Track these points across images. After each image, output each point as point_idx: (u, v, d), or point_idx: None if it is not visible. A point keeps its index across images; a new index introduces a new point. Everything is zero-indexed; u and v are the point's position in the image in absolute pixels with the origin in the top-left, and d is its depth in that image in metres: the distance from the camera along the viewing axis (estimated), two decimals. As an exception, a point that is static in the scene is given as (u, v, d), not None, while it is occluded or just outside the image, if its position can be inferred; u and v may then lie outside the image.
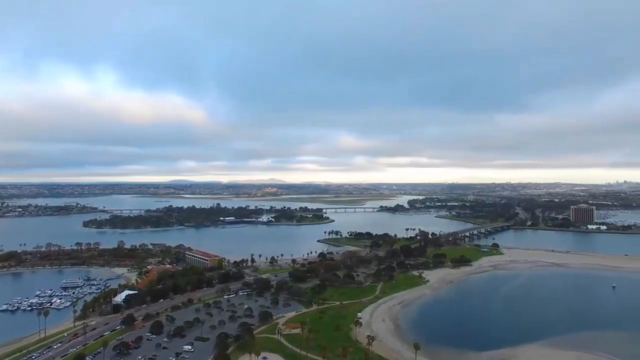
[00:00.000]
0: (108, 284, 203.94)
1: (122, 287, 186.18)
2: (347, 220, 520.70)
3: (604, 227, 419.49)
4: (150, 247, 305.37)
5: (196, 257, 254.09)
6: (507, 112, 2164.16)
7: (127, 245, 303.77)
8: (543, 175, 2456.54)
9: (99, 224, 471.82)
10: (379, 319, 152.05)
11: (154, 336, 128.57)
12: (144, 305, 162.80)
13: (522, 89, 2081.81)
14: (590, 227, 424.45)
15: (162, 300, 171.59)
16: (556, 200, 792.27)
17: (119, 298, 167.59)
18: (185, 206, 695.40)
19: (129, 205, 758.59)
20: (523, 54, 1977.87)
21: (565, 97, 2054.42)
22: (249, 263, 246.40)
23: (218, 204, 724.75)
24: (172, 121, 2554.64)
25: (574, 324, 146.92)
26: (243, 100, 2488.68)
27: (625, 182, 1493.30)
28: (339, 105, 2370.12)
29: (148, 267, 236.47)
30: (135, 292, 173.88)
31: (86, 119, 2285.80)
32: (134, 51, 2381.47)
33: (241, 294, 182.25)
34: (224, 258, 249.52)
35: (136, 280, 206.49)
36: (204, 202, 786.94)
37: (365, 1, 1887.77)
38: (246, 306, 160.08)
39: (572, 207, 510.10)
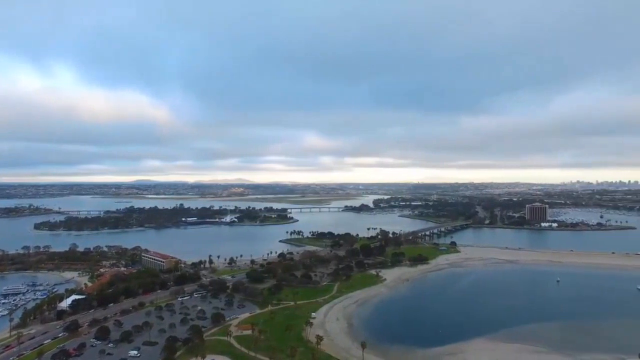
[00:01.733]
0: (55, 290, 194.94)
1: (69, 292, 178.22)
2: (311, 220, 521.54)
3: (555, 225, 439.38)
4: (106, 249, 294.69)
5: (152, 259, 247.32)
6: (469, 115, 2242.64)
7: (81, 248, 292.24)
8: (504, 175, 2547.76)
9: (52, 226, 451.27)
10: (332, 318, 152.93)
11: (98, 342, 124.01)
12: (92, 311, 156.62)
13: (482, 92, 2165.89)
14: (543, 224, 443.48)
15: (112, 304, 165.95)
16: (514, 199, 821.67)
17: (65, 304, 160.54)
18: (148, 207, 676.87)
19: (88, 206, 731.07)
20: (482, 58, 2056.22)
21: (521, 101, 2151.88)
22: (207, 264, 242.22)
23: (181, 205, 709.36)
24: (135, 120, 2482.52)
25: (519, 317, 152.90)
26: (208, 100, 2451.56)
27: (577, 181, 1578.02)
28: (305, 105, 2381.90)
29: (101, 270, 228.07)
30: (83, 296, 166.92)
31: (41, 117, 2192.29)
32: (93, 47, 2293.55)
33: (196, 295, 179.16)
34: (181, 259, 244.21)
35: (85, 284, 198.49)
36: (168, 203, 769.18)
37: (327, 2, 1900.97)
38: (199, 308, 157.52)
39: (527, 205, 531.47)
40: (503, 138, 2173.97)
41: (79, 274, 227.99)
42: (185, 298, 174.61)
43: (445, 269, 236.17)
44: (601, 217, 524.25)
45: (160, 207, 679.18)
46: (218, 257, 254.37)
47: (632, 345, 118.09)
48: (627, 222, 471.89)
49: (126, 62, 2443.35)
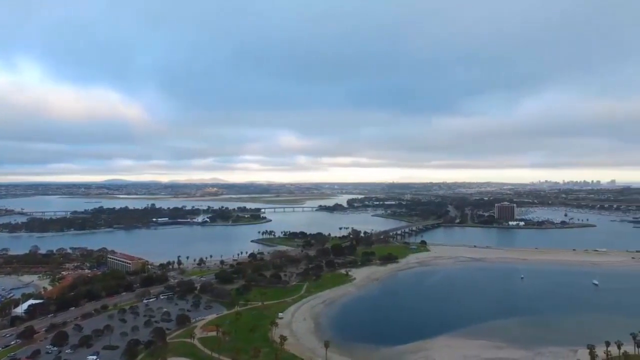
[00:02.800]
0: (11, 295, 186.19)
1: (26, 297, 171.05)
2: (285, 220, 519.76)
3: (522, 223, 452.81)
4: (70, 251, 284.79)
5: (119, 260, 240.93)
6: (442, 115, 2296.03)
7: (44, 251, 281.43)
8: (476, 175, 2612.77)
9: (12, 227, 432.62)
10: (300, 318, 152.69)
11: (55, 348, 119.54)
12: (51, 315, 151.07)
13: (454, 93, 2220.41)
14: (511, 223, 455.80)
15: (73, 308, 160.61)
16: (485, 198, 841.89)
17: (20, 309, 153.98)
18: (118, 207, 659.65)
19: (54, 206, 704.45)
20: (454, 61, 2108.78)
21: (492, 103, 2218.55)
22: (176, 265, 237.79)
23: (153, 205, 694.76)
24: (106, 118, 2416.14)
25: (484, 314, 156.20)
26: (182, 99, 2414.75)
27: (546, 181, 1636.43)
28: (280, 105, 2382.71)
29: (63, 273, 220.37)
30: (41, 301, 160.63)
31: (6, 113, 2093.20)
32: (62, 43, 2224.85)
33: (162, 297, 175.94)
34: (148, 261, 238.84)
35: (44, 288, 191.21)
36: (139, 203, 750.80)
37: (304, 3, 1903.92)
38: (165, 310, 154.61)
39: (496, 205, 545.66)
40: (475, 139, 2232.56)
41: (38, 277, 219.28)
42: (151, 300, 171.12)
43: (414, 267, 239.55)
44: (565, 215, 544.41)
45: (131, 207, 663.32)
46: (187, 257, 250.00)
47: (584, 336, 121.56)
48: (588, 220, 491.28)
49: (97, 58, 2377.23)
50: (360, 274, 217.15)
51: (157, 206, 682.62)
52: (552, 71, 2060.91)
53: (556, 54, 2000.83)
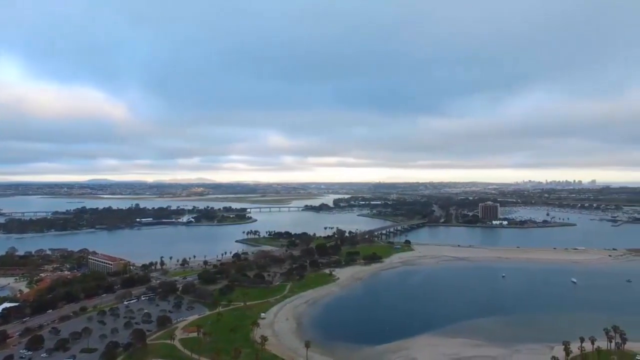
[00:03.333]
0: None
1: (0, 300, 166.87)
2: (270, 219, 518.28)
3: (505, 223, 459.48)
4: (49, 252, 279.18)
5: (100, 261, 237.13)
6: (428, 116, 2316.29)
7: (22, 252, 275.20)
8: (462, 174, 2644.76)
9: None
10: (282, 318, 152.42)
11: (29, 353, 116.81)
12: (27, 319, 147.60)
13: (440, 94, 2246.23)
14: (494, 222, 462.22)
15: (50, 311, 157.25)
16: (470, 198, 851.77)
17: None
18: (101, 207, 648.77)
19: (35, 207, 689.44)
20: (439, 62, 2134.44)
21: (476, 104, 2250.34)
22: (158, 266, 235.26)
23: (137, 205, 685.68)
24: (90, 117, 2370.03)
25: (465, 312, 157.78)
26: (168, 98, 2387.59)
27: (529, 181, 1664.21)
28: (267, 105, 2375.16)
29: (41, 275, 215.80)
30: (16, 304, 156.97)
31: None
32: (43, 40, 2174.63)
33: (143, 298, 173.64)
34: (130, 262, 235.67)
35: (20, 291, 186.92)
36: (123, 203, 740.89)
37: (291, 3, 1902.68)
38: (145, 311, 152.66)
39: (480, 204, 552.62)
40: (461, 139, 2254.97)
41: (15, 279, 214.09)
42: (132, 301, 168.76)
43: (398, 267, 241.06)
44: (547, 214, 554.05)
45: (114, 207, 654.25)
46: (170, 258, 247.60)
47: (561, 333, 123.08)
48: (568, 219, 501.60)
49: (79, 56, 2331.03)
50: (344, 273, 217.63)
51: (142, 206, 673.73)
52: (536, 73, 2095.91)
53: (540, 55, 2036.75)
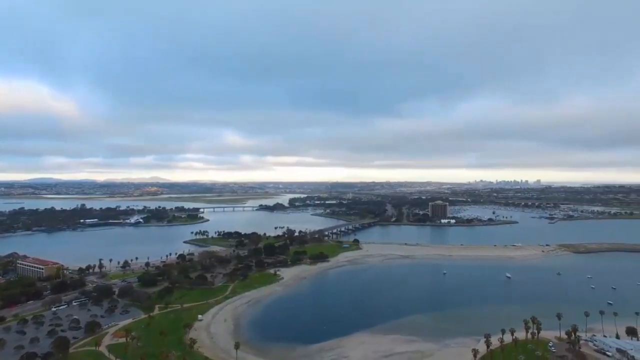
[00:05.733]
0: None
1: None
2: (224, 219, 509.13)
3: (453, 221, 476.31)
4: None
5: (30, 266, 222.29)
6: (383, 117, 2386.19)
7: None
8: (418, 174, 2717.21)
9: None
10: (220, 319, 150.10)
11: None
12: None
13: (393, 97, 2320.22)
14: (443, 221, 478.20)
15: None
16: (423, 197, 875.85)
17: None
18: (42, 208, 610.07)
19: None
20: (392, 65, 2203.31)
21: (428, 106, 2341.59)
22: (97, 269, 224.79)
23: (83, 205, 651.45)
24: (34, 112, 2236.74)
25: (403, 309, 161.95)
26: (118, 94, 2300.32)
27: (481, 181, 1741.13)
28: (224, 104, 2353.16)
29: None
30: None
31: None
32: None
33: (75, 304, 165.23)
34: (64, 265, 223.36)
35: None
36: (69, 203, 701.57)
37: (245, 2, 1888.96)
38: (74, 317, 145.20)
39: (430, 203, 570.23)
40: (416, 140, 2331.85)
41: None
42: (62, 307, 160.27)
43: (344, 266, 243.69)
44: (493, 213, 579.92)
45: (58, 208, 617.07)
46: (110, 260, 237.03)
47: (489, 326, 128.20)
48: (511, 217, 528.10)
49: (24, 50, 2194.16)
50: (289, 273, 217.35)
51: (89, 206, 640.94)
52: (482, 78, 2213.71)
53: (485, 62, 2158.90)
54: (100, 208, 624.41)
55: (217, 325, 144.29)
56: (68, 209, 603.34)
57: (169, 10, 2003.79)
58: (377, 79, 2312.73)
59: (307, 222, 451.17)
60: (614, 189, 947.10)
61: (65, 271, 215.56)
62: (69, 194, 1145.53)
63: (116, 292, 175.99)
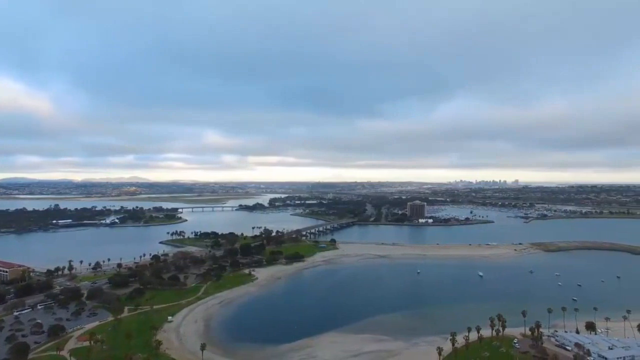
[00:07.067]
0: None
1: None
2: (202, 220, 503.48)
3: (430, 221, 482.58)
4: None
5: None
6: (365, 118, 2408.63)
7: None
8: (400, 174, 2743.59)
9: None
10: (191, 320, 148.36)
11: None
12: None
13: (375, 97, 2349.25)
14: (420, 220, 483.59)
15: None
16: (403, 197, 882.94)
17: None
18: (13, 208, 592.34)
19: None
20: (374, 66, 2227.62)
21: (410, 107, 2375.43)
22: (66, 271, 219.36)
23: (57, 205, 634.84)
24: (7, 110, 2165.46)
25: (375, 309, 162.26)
26: (96, 92, 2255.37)
27: (461, 181, 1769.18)
28: (205, 103, 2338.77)
29: None
30: None
31: None
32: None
33: (40, 307, 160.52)
34: (30, 267, 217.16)
35: None
36: (43, 203, 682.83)
37: (224, 3, 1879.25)
38: (37, 321, 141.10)
39: (408, 203, 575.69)
40: (398, 140, 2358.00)
41: None
42: (25, 311, 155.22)
43: (319, 266, 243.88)
44: (471, 212, 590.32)
45: (30, 208, 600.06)
46: (81, 262, 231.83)
47: (459, 324, 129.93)
48: (488, 216, 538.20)
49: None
50: (264, 273, 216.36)
51: (63, 207, 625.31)
52: (462, 80, 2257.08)
53: (465, 64, 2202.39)
54: (76, 208, 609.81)
55: (187, 326, 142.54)
56: (40, 209, 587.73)
57: (150, 8, 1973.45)
58: (359, 79, 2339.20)
59: (285, 222, 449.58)
60: (587, 189, 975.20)
61: (31, 274, 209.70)
62: (43, 194, 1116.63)
63: (85, 295, 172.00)
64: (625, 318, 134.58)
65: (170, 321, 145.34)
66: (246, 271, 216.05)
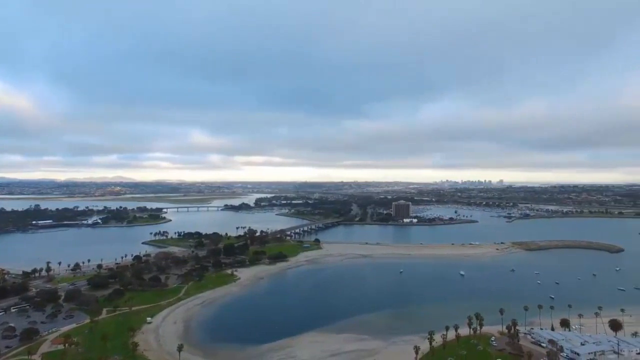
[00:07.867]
0: None
1: None
2: (187, 220, 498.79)
3: (415, 220, 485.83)
4: None
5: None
6: (351, 118, 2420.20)
7: None
8: (387, 174, 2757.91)
9: None
10: (170, 321, 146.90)
11: None
12: None
13: (361, 98, 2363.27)
14: (405, 220, 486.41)
15: None
16: (389, 197, 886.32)
17: None
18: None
19: None
20: (360, 67, 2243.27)
21: (395, 108, 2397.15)
22: (44, 272, 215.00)
23: (37, 205, 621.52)
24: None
25: (356, 308, 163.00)
26: (82, 91, 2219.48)
27: (447, 181, 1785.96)
28: (191, 103, 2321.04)
29: None
30: None
31: None
32: None
33: (13, 310, 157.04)
34: (5, 269, 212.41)
35: None
36: (22, 204, 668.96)
37: (210, 2, 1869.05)
38: (10, 325, 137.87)
39: (393, 203, 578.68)
40: (384, 140, 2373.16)
41: None
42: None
43: (303, 265, 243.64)
44: (455, 212, 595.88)
45: (9, 208, 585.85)
46: (59, 263, 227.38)
47: (438, 323, 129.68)
48: (472, 216, 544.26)
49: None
50: (246, 273, 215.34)
51: (44, 207, 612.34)
52: (446, 81, 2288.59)
53: (449, 67, 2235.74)
54: (57, 209, 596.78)
55: (166, 327, 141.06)
56: (20, 209, 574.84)
57: (136, 6, 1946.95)
58: (345, 80, 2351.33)
59: (271, 222, 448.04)
60: (569, 188, 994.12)
61: (6, 276, 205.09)
62: (23, 194, 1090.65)
63: (62, 297, 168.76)
64: (597, 314, 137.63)
65: (150, 322, 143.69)
66: (229, 271, 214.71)
